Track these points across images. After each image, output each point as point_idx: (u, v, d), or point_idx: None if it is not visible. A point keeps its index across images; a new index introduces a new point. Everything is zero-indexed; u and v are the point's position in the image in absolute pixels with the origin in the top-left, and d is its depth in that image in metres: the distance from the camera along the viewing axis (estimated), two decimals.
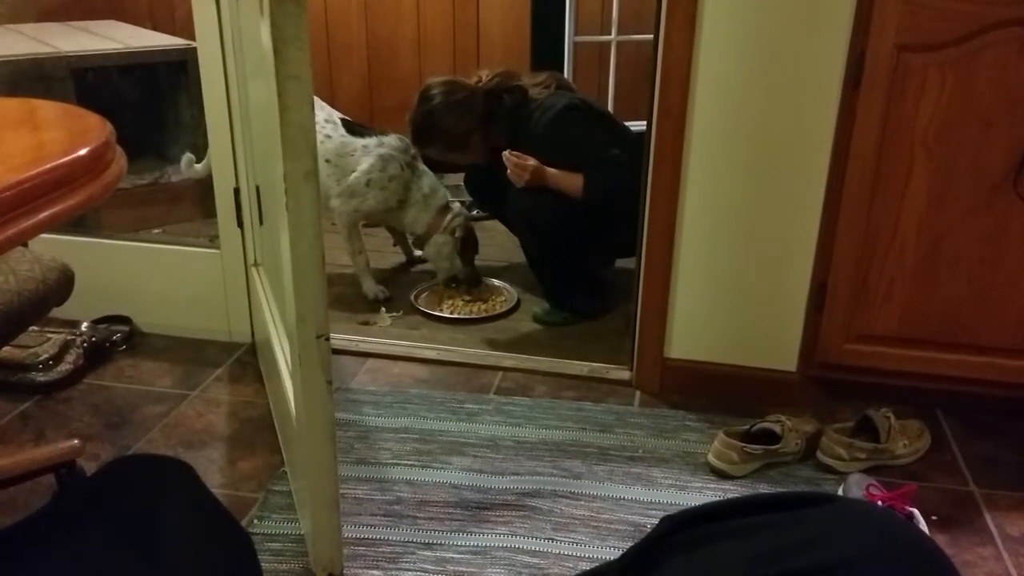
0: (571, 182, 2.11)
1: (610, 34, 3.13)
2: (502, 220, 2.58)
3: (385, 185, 2.36)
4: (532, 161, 2.11)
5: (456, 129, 2.24)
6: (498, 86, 2.24)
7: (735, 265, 1.79)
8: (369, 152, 2.36)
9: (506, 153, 2.14)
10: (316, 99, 2.48)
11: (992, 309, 1.68)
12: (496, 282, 2.48)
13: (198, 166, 2.45)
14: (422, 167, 2.41)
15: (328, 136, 2.37)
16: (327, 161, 2.35)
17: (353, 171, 2.36)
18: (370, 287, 2.40)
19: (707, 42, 1.64)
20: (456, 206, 2.43)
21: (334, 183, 2.36)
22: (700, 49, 1.65)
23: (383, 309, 2.34)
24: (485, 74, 2.28)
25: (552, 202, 2.14)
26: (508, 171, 2.14)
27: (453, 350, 2.09)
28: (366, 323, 2.26)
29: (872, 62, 1.57)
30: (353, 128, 2.42)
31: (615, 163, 2.09)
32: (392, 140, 2.39)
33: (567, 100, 2.19)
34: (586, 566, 1.40)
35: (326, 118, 2.41)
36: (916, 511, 1.48)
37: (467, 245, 2.39)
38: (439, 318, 2.28)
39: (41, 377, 1.90)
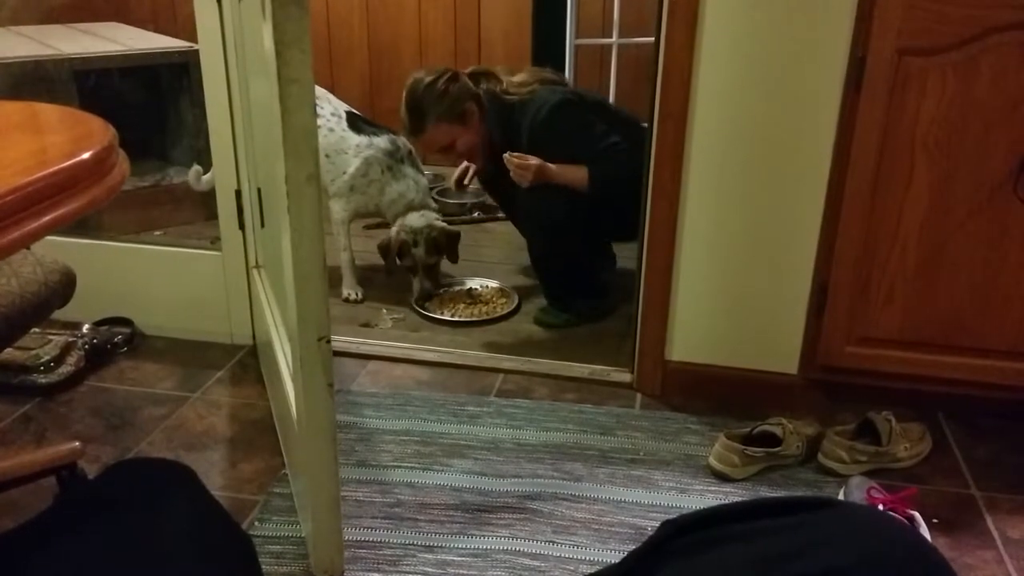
0: (575, 175, 2.12)
1: (611, 36, 3.14)
2: (513, 221, 2.57)
3: (365, 190, 2.40)
4: (534, 160, 2.12)
5: (447, 97, 2.22)
6: (474, 71, 2.27)
7: (736, 267, 1.80)
8: (359, 154, 2.38)
9: (507, 156, 2.14)
10: (325, 92, 2.50)
11: (993, 312, 1.68)
12: (496, 284, 2.48)
13: (206, 178, 2.44)
14: (405, 170, 2.40)
15: (331, 130, 2.39)
16: (326, 156, 2.37)
17: (344, 171, 2.38)
18: (348, 285, 2.41)
19: (708, 45, 1.64)
20: (412, 217, 2.36)
21: (328, 181, 2.38)
22: (701, 52, 1.65)
23: (384, 311, 2.34)
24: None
25: (558, 202, 2.14)
26: (511, 173, 2.15)
27: (454, 352, 2.09)
28: (367, 325, 2.26)
29: (873, 65, 1.57)
30: (356, 123, 2.43)
31: (617, 152, 2.10)
32: (382, 142, 2.40)
33: (560, 96, 2.18)
34: (587, 569, 1.40)
35: (332, 111, 2.43)
36: (917, 514, 1.48)
37: (401, 251, 2.36)
38: (440, 320, 2.28)
39: (42, 379, 1.90)
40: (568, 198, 2.14)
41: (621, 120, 2.23)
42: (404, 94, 2.28)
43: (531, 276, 2.55)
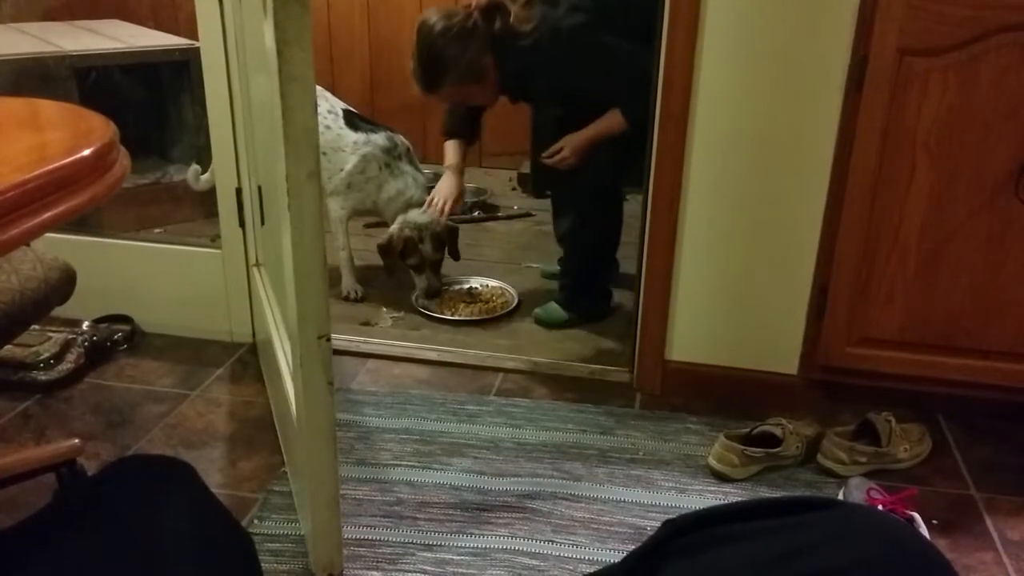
0: (611, 123, 2.05)
1: None
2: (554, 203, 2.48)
3: (362, 187, 2.39)
4: (566, 148, 2.09)
5: (465, 56, 2.08)
6: (489, 7, 2.11)
7: (736, 267, 1.79)
8: (356, 151, 2.37)
9: (542, 160, 2.16)
10: (321, 90, 2.49)
11: (994, 313, 1.68)
12: (497, 283, 2.48)
13: (204, 177, 2.44)
14: (403, 167, 2.40)
15: (328, 127, 2.38)
16: (323, 154, 2.37)
17: (341, 169, 2.37)
18: (348, 283, 2.41)
19: (709, 45, 1.64)
20: (414, 213, 2.35)
21: (326, 177, 2.38)
22: (702, 52, 1.65)
23: (384, 309, 2.34)
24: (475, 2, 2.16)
25: (587, 196, 2.15)
26: (555, 169, 2.14)
27: (454, 351, 2.09)
28: (367, 324, 2.26)
29: (874, 66, 1.57)
30: (353, 120, 2.43)
31: (644, 76, 1.88)
32: (379, 139, 2.39)
33: (567, 25, 2.03)
34: (586, 568, 1.40)
35: (328, 109, 2.42)
36: (917, 515, 1.48)
37: (407, 249, 2.34)
38: (440, 319, 2.28)
39: (42, 376, 1.90)
40: (598, 187, 2.12)
41: (626, 17, 2.03)
42: (416, 45, 2.10)
43: (531, 276, 2.56)
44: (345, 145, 2.38)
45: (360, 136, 2.39)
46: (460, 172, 2.40)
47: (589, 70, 2.04)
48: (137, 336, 2.13)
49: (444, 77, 2.11)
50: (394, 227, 2.36)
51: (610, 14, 2.05)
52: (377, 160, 2.38)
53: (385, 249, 2.36)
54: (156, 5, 3.41)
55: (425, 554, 1.43)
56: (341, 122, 2.41)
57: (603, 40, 2.02)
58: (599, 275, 2.29)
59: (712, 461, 1.65)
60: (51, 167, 0.80)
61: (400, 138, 2.43)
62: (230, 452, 1.70)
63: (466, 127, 2.38)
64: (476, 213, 3.04)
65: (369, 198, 2.41)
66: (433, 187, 3.01)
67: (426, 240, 2.34)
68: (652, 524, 1.51)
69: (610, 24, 2.04)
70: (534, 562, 1.41)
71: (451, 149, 2.40)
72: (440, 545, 1.45)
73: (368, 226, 2.82)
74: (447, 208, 2.36)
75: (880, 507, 1.47)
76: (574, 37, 2.02)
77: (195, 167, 2.46)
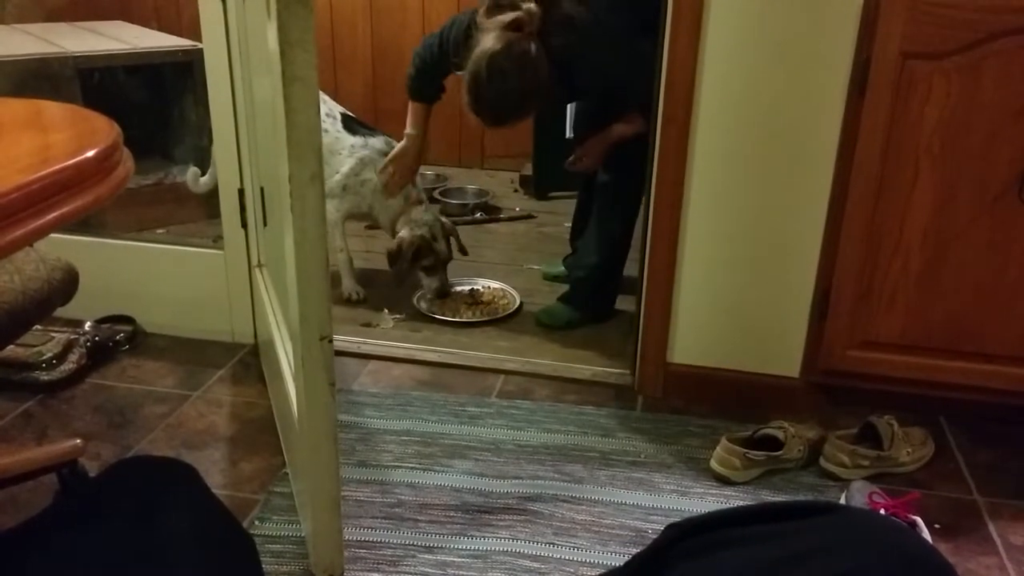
0: (627, 128, 2.09)
1: None
2: (581, 208, 2.49)
3: (358, 190, 2.38)
4: (588, 154, 2.16)
5: (537, 89, 1.98)
6: (542, 25, 1.99)
7: (738, 270, 1.79)
8: (353, 154, 2.37)
9: (571, 167, 2.20)
10: (319, 92, 2.48)
11: (996, 316, 1.68)
12: (498, 285, 2.48)
13: (204, 180, 2.44)
14: None
15: (325, 131, 2.38)
16: None
17: (337, 172, 2.37)
18: (348, 285, 2.40)
19: (712, 48, 1.64)
20: (417, 212, 2.35)
21: None
22: (705, 55, 1.65)
23: (385, 311, 2.34)
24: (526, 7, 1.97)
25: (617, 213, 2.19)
26: (583, 168, 2.20)
27: (455, 353, 2.09)
28: (368, 325, 2.26)
29: (877, 69, 1.57)
30: (350, 124, 2.43)
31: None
32: (377, 143, 2.39)
33: (588, 33, 1.99)
34: (587, 571, 1.40)
35: (327, 112, 2.42)
36: (919, 519, 1.48)
37: (420, 251, 2.33)
38: (441, 320, 2.28)
39: (44, 376, 1.90)
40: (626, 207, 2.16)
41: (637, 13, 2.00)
42: (489, 87, 1.94)
43: (533, 277, 2.56)
44: (342, 148, 2.38)
45: (357, 140, 2.39)
46: (420, 140, 2.30)
47: (622, 69, 2.04)
48: (139, 336, 2.13)
49: (517, 113, 2.04)
50: (402, 231, 2.34)
51: (637, 9, 2.01)
52: (374, 164, 2.37)
53: (395, 255, 2.32)
54: (159, 6, 3.42)
55: (426, 556, 1.43)
56: (339, 125, 2.41)
57: (632, 39, 2.00)
58: (615, 274, 2.29)
59: (714, 464, 1.65)
60: (55, 168, 0.80)
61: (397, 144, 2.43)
62: (231, 453, 1.70)
63: (434, 90, 2.28)
64: (478, 215, 3.04)
65: (364, 202, 2.40)
66: (436, 188, 2.97)
67: (438, 238, 2.34)
68: (654, 527, 1.51)
69: (635, 21, 2.01)
70: (535, 564, 1.41)
71: (414, 113, 2.30)
72: (441, 547, 1.45)
73: (370, 227, 2.82)
74: (396, 179, 2.30)
75: (882, 511, 1.47)
76: (607, 38, 2.03)
77: (194, 169, 2.46)
